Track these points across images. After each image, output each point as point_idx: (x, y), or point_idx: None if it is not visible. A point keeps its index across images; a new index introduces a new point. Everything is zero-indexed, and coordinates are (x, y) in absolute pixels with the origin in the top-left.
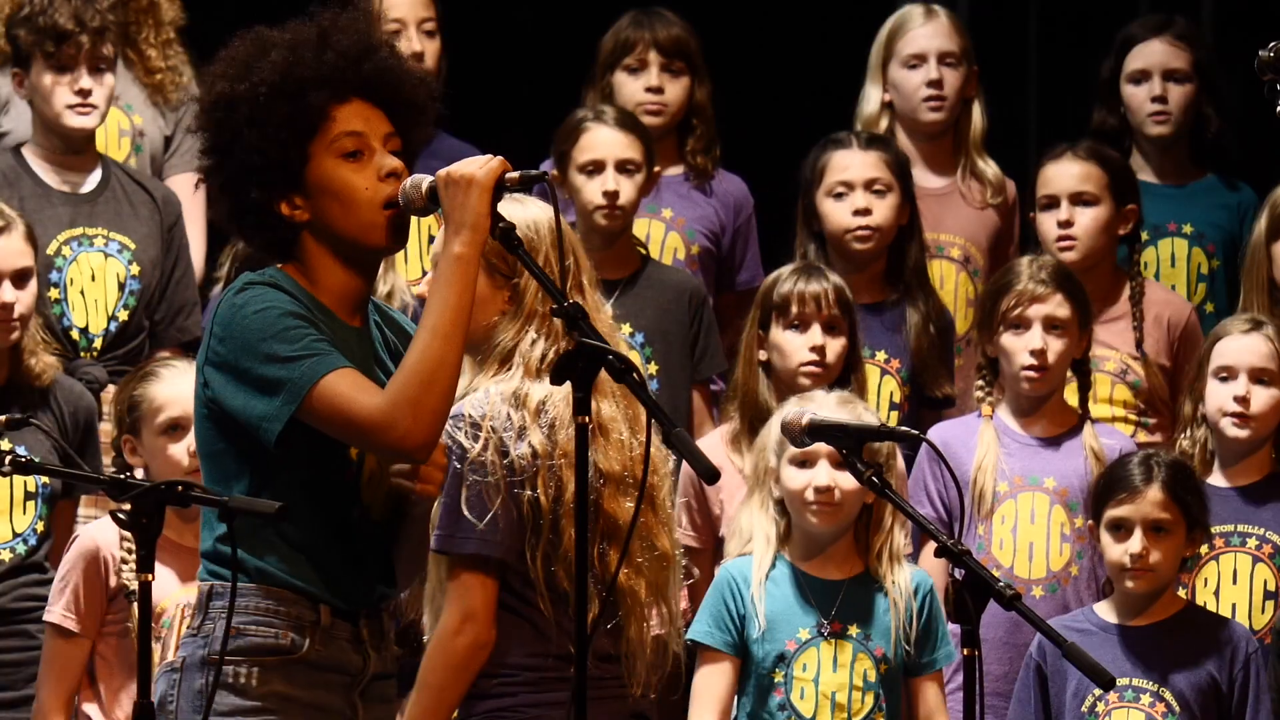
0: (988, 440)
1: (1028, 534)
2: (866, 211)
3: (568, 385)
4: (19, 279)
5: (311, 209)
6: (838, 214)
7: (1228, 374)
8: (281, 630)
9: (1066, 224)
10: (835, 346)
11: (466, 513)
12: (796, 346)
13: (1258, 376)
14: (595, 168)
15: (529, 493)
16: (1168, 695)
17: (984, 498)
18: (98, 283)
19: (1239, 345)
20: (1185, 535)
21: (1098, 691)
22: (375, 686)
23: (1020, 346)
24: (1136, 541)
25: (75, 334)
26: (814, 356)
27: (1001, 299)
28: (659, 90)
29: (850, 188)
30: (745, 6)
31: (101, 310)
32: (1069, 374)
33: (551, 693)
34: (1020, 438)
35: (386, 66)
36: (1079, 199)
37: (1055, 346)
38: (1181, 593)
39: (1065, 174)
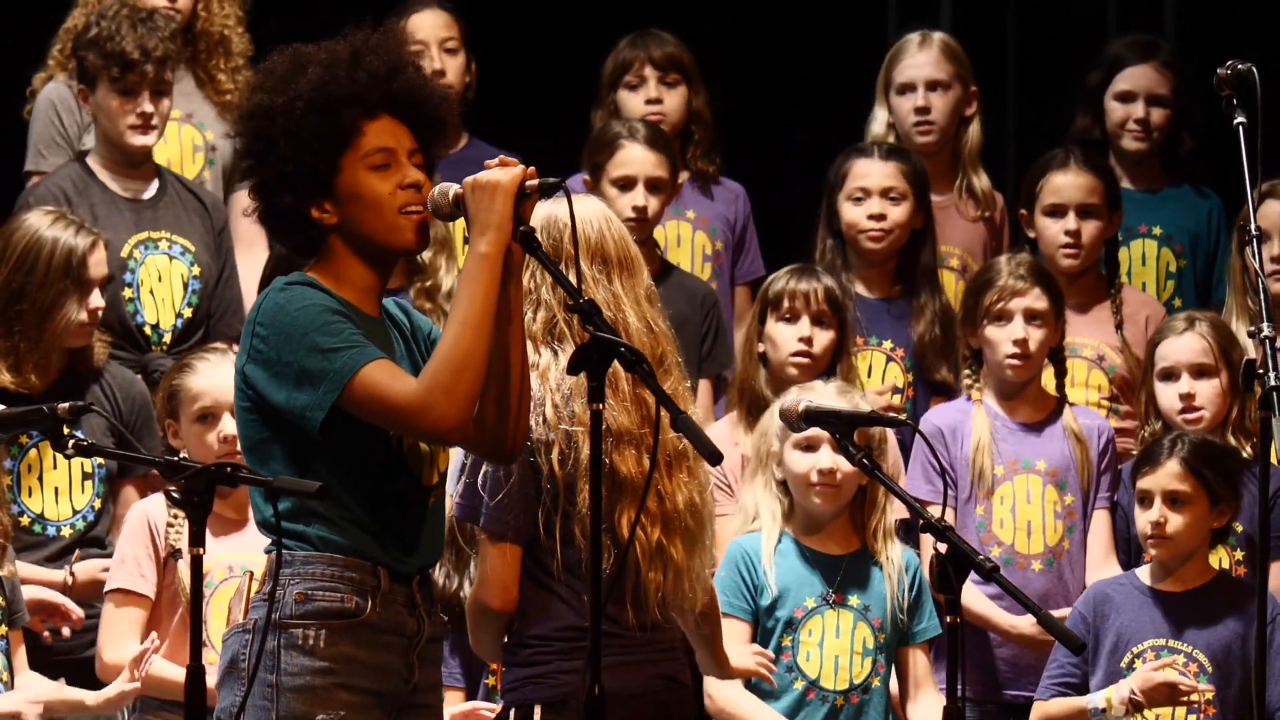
0: (981, 424)
1: (1025, 513)
2: (881, 216)
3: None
4: (103, 286)
5: (340, 214)
6: (854, 215)
7: (1171, 374)
8: (346, 595)
9: (1075, 233)
10: (823, 338)
11: (481, 490)
12: (786, 338)
13: (1198, 371)
14: (627, 183)
15: (545, 464)
16: (1200, 657)
17: (984, 477)
18: (164, 283)
19: (1177, 346)
20: (1208, 507)
21: (1136, 649)
22: (429, 649)
23: (1004, 337)
24: (1155, 510)
25: (148, 330)
26: (802, 347)
27: (984, 294)
28: (658, 101)
29: (868, 193)
30: (740, 24)
31: (169, 308)
32: (1046, 361)
33: (583, 659)
34: (1008, 423)
35: (413, 85)
36: (1085, 209)
37: (1035, 336)
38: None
39: (1073, 185)
